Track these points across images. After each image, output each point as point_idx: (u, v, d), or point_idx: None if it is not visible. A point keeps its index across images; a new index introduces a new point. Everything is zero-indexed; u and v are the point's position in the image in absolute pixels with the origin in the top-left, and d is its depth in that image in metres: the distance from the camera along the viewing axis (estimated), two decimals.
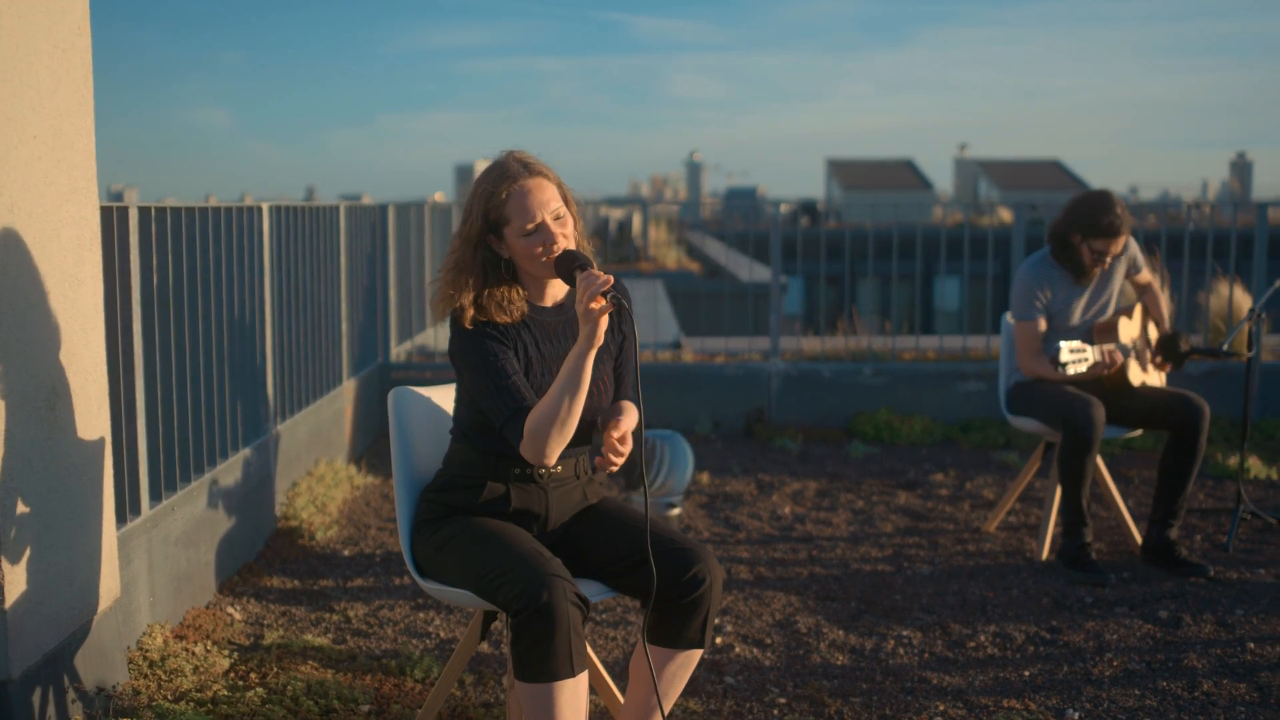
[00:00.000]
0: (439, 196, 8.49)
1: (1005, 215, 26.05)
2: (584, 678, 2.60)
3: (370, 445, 7.01)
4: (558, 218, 2.82)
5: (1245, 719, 3.48)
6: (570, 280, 2.74)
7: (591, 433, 3.01)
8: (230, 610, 4.25)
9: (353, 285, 6.60)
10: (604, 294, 2.64)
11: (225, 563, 4.50)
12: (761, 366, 7.56)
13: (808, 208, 28.70)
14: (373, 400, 7.12)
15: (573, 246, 2.83)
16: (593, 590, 2.87)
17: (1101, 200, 4.77)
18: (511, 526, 2.84)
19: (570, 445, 2.89)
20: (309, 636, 4.01)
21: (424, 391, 3.17)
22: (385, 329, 7.41)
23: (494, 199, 2.80)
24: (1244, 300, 7.92)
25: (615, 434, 2.81)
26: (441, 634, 4.12)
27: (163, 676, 3.47)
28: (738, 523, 5.54)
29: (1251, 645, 4.04)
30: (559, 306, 2.94)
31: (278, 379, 5.23)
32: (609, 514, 2.97)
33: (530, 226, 2.78)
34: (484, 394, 2.77)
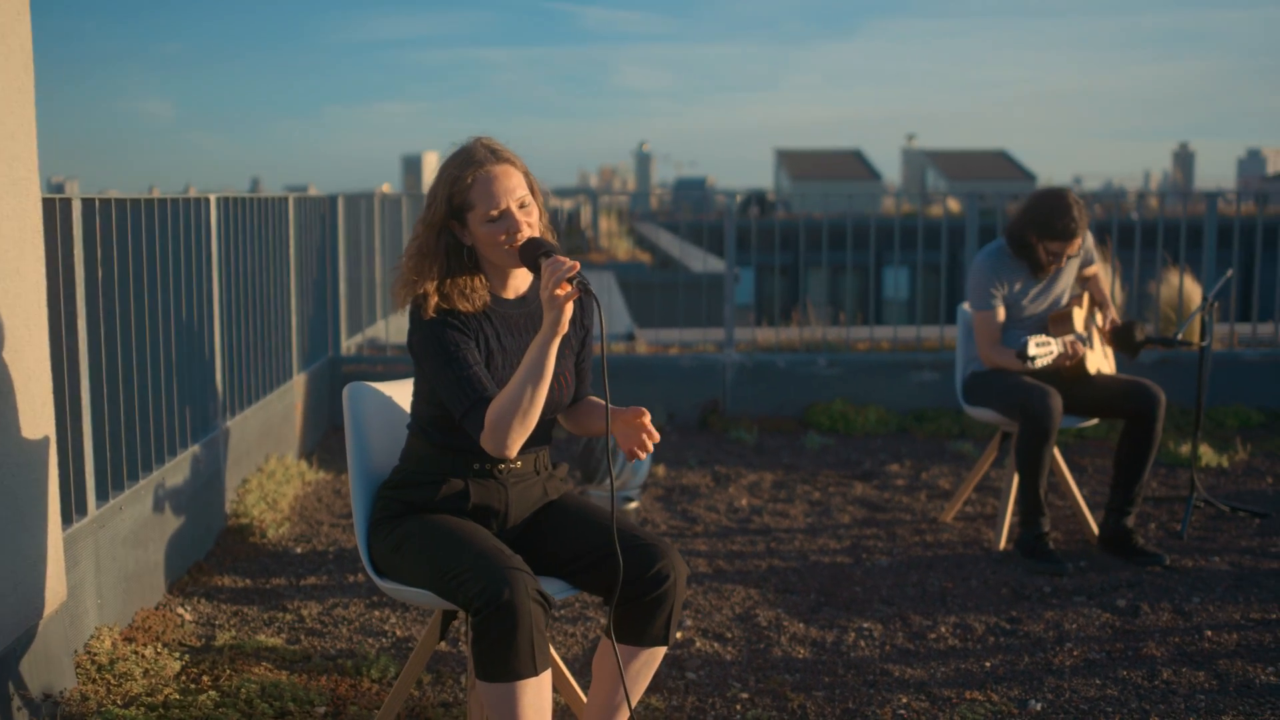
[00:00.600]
0: (386, 188, 8.41)
1: (953, 205, 26.23)
2: (547, 676, 2.55)
3: (321, 440, 6.91)
4: (523, 205, 2.76)
5: (1205, 707, 3.49)
6: (535, 268, 2.69)
7: (552, 428, 2.96)
8: (181, 611, 4.16)
9: (302, 278, 6.50)
10: (569, 280, 2.60)
11: (175, 562, 4.41)
12: (716, 358, 7.53)
13: (757, 198, 28.75)
14: (323, 394, 7.02)
15: (537, 235, 2.78)
16: (554, 587, 2.82)
17: (1059, 203, 4.76)
18: (470, 524, 2.78)
19: (531, 441, 2.84)
20: (262, 637, 3.92)
21: (380, 387, 3.11)
22: (335, 322, 7.31)
23: (459, 183, 2.75)
24: (1194, 289, 7.99)
25: (643, 419, 2.75)
26: (398, 632, 4.05)
27: (112, 681, 3.39)
28: (695, 515, 5.51)
29: (1209, 633, 4.06)
30: (521, 299, 2.89)
31: (226, 374, 5.13)
32: (570, 510, 2.92)
33: (494, 213, 2.73)
34: (444, 384, 2.71)
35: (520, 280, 2.90)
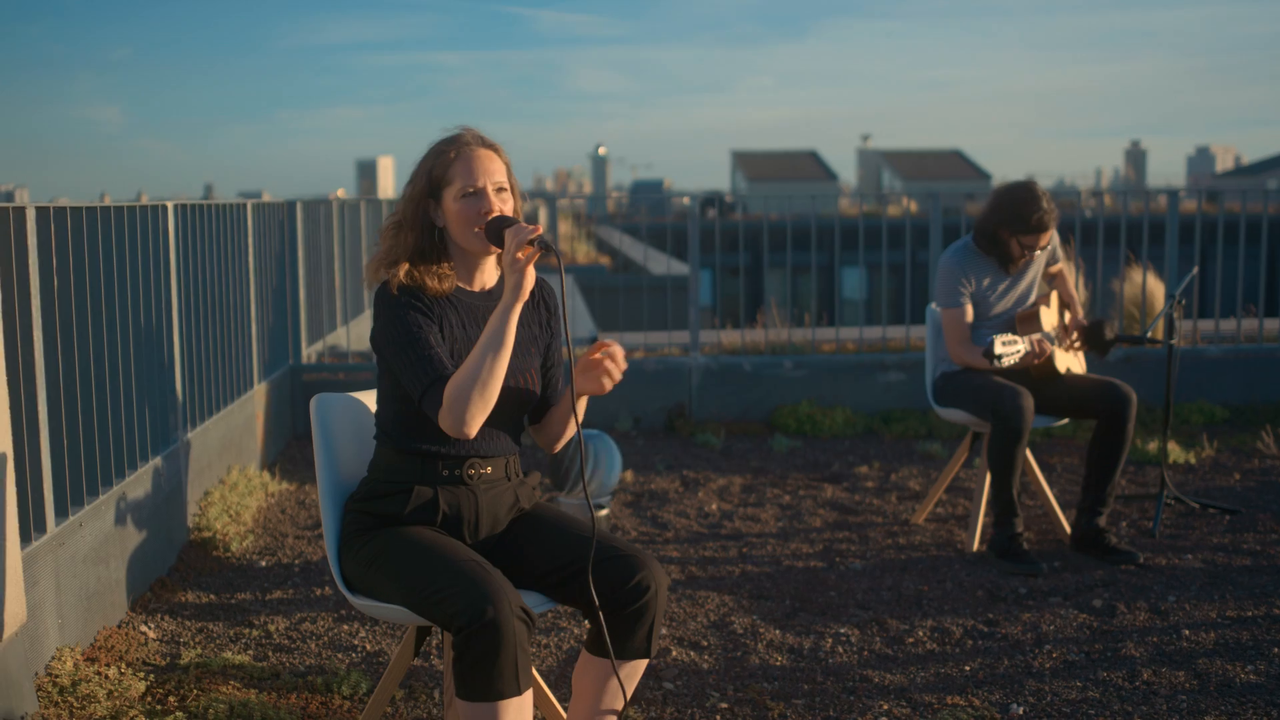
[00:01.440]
0: (341, 193, 8.30)
1: (910, 205, 26.31)
2: (529, 696, 2.49)
3: (283, 450, 6.80)
4: (499, 190, 2.76)
5: (1187, 707, 3.46)
6: (500, 241, 2.68)
7: (521, 431, 2.90)
8: (144, 629, 4.05)
9: (261, 285, 6.39)
10: (531, 242, 2.58)
11: (137, 579, 4.30)
12: (681, 361, 7.48)
13: (713, 200, 28.73)
14: (284, 403, 6.91)
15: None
16: (533, 602, 2.75)
17: (1028, 195, 4.75)
18: (446, 537, 2.71)
19: (500, 445, 2.78)
20: (228, 654, 3.83)
21: (347, 397, 3.03)
22: (296, 330, 7.20)
23: (443, 157, 2.77)
24: (1156, 286, 8.02)
25: (595, 354, 2.73)
26: (368, 646, 3.97)
27: (74, 704, 3.28)
28: (665, 521, 5.45)
29: (1187, 632, 4.04)
30: (487, 293, 2.84)
31: (186, 384, 5.03)
32: (546, 521, 2.86)
33: (471, 189, 2.73)
34: (404, 365, 2.66)
35: (487, 274, 2.87)
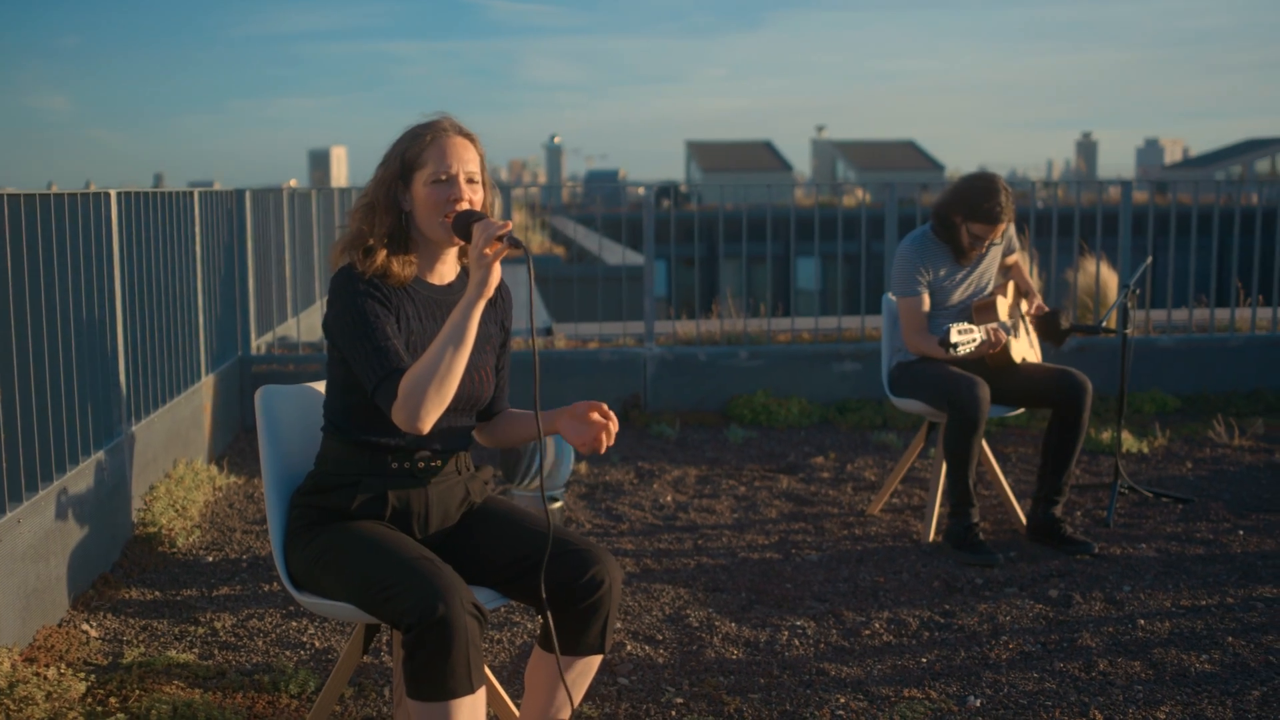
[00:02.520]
0: (293, 183, 8.19)
1: (864, 195, 26.38)
2: (483, 694, 2.43)
3: (231, 443, 6.68)
4: (471, 181, 2.70)
5: (1143, 698, 3.46)
6: (466, 235, 2.62)
7: (471, 427, 2.84)
8: (85, 627, 3.95)
9: (209, 275, 6.27)
10: (499, 238, 2.51)
11: (78, 576, 4.19)
12: (636, 352, 7.43)
13: (668, 190, 28.68)
14: (233, 395, 6.79)
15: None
16: (485, 598, 2.69)
17: (986, 186, 4.74)
18: (395, 533, 2.64)
19: (452, 441, 2.72)
20: (173, 653, 3.74)
21: (294, 389, 2.95)
22: (244, 320, 7.08)
23: (418, 140, 2.70)
24: (1110, 277, 8.05)
25: (595, 413, 2.73)
26: (316, 643, 3.89)
27: (11, 706, 3.19)
28: (619, 513, 5.40)
29: (1142, 622, 4.04)
30: (446, 286, 2.77)
31: (131, 376, 4.91)
32: (497, 515, 2.80)
33: (442, 175, 2.66)
34: (358, 354, 2.58)
35: (448, 267, 2.80)
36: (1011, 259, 5.12)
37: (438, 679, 2.37)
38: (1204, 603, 4.23)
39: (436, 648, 2.36)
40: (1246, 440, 6.62)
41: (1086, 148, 56.83)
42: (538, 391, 2.54)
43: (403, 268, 2.69)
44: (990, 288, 5.00)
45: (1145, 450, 6.39)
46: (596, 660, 2.72)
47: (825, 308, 18.78)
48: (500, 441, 2.93)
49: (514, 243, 2.53)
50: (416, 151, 2.68)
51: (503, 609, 4.18)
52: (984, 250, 4.88)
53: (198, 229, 5.99)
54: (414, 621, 2.37)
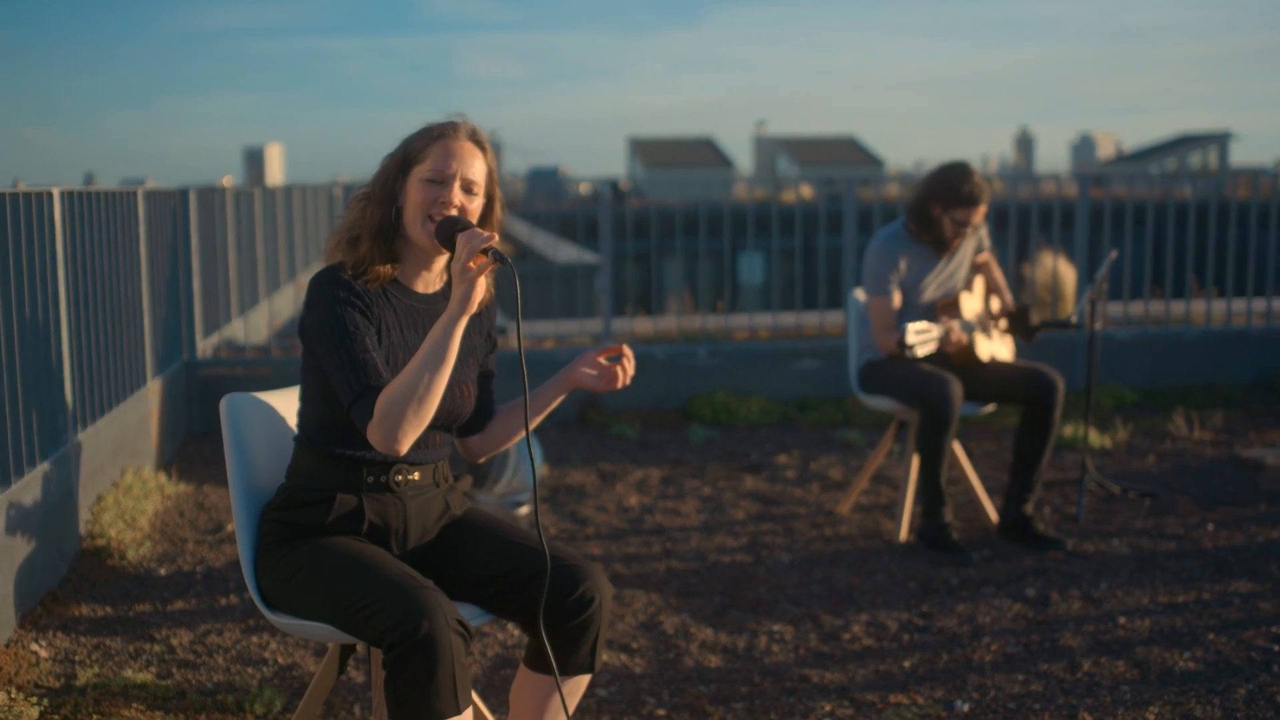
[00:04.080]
0: (228, 180, 8.00)
1: (805, 191, 26.40)
2: (470, 715, 2.31)
3: (178, 449, 6.49)
4: (468, 190, 2.56)
5: (1131, 699, 3.40)
6: (450, 244, 2.48)
7: (450, 444, 2.72)
8: (35, 648, 3.77)
9: (154, 276, 6.07)
10: (484, 251, 2.38)
11: (26, 592, 4.00)
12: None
13: (611, 186, 28.54)
14: (179, 400, 6.60)
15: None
16: (468, 614, 2.57)
17: (960, 171, 4.71)
18: (372, 548, 2.51)
19: (428, 451, 2.60)
20: (129, 672, 3.57)
21: (262, 396, 2.81)
22: (190, 323, 6.87)
23: (427, 135, 2.57)
24: (1067, 271, 8.04)
25: (602, 357, 2.73)
26: (279, 660, 3.74)
27: None
28: (584, 517, 5.28)
29: (1122, 620, 4.00)
30: (429, 296, 2.64)
31: (77, 382, 4.72)
32: (479, 528, 2.67)
33: (439, 176, 2.52)
34: (335, 366, 2.44)
35: (434, 275, 2.66)
36: (982, 257, 5.06)
37: (423, 700, 2.25)
38: (1181, 599, 4.19)
39: (421, 667, 2.24)
40: (1206, 433, 6.63)
41: (1024, 142, 57.50)
42: (526, 400, 2.42)
43: (387, 269, 2.56)
44: (961, 283, 4.94)
45: (1108, 445, 6.37)
46: (585, 680, 2.61)
47: (772, 303, 18.68)
48: (495, 445, 2.82)
49: (498, 257, 2.39)
50: (421, 146, 2.56)
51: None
52: (965, 235, 4.78)
53: (142, 229, 5.80)
54: (396, 640, 2.24)
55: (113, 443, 5.17)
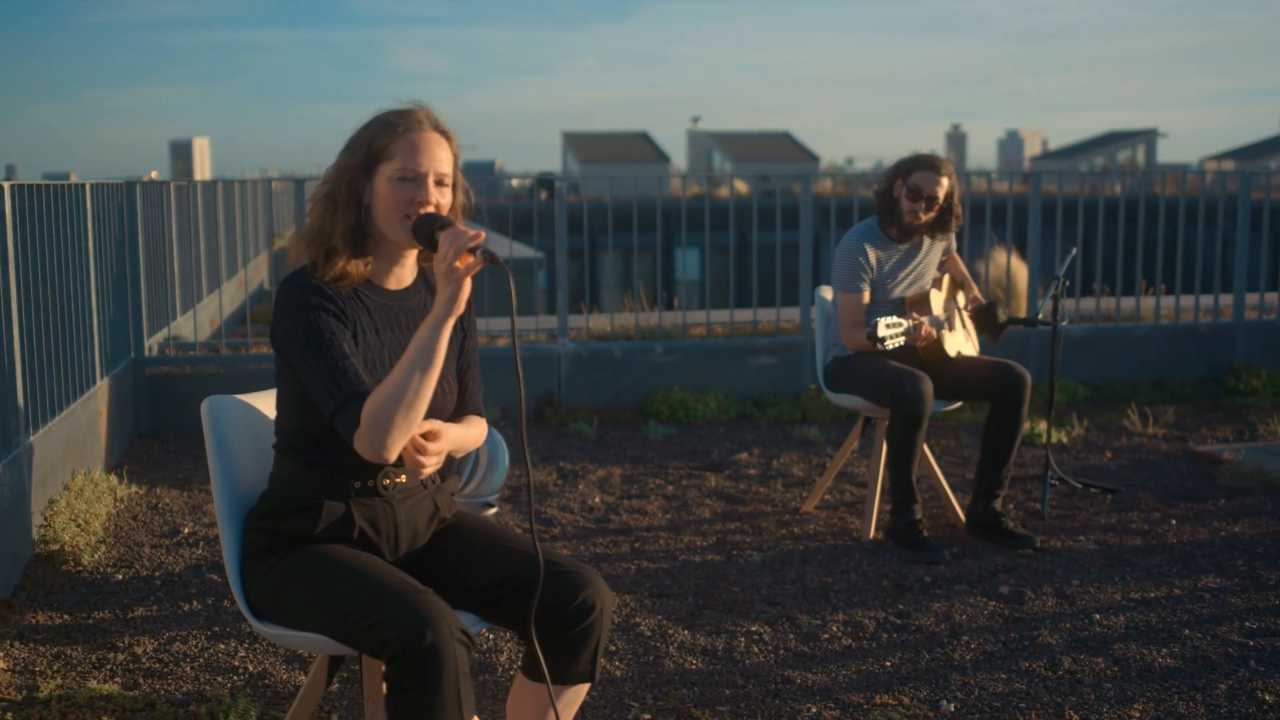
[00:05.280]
0: (154, 175, 7.82)
1: (741, 187, 26.47)
2: None
3: (127, 450, 6.32)
4: (439, 183, 2.46)
5: (1115, 696, 3.41)
6: (430, 242, 2.38)
7: None
8: None
9: (102, 272, 5.91)
10: (471, 250, 2.29)
11: None
12: (550, 348, 7.24)
13: (545, 181, 28.40)
14: (127, 400, 6.43)
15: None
16: (465, 622, 2.49)
17: (917, 152, 4.88)
18: (367, 556, 2.43)
19: None
20: (93, 683, 3.45)
21: (245, 399, 2.72)
22: (137, 320, 6.71)
23: (389, 129, 2.45)
24: (1020, 268, 8.09)
25: (419, 431, 2.40)
26: (249, 667, 3.63)
27: None
28: (549, 517, 5.21)
29: (1097, 616, 4.01)
30: (401, 292, 2.55)
31: (27, 383, 4.57)
32: (473, 534, 2.60)
33: (410, 174, 2.42)
34: (314, 375, 2.36)
35: (404, 272, 2.57)
36: (949, 263, 5.07)
37: (426, 713, 2.18)
38: (1152, 595, 4.21)
39: (425, 679, 2.16)
40: (1160, 429, 6.70)
41: (956, 139, 58.04)
42: (522, 401, 2.36)
43: (360, 268, 2.47)
44: (929, 281, 4.94)
45: (1064, 440, 6.42)
46: (584, 689, 2.54)
47: (732, 301, 18.71)
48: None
49: (489, 257, 2.31)
50: (386, 142, 2.44)
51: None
52: (926, 211, 4.73)
53: (90, 224, 5.64)
54: (399, 651, 2.17)
55: (63, 445, 5.02)
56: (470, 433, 2.60)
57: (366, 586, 2.29)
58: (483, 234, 2.32)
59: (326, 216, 2.45)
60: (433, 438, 2.40)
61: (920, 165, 4.74)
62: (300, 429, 2.47)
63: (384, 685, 2.23)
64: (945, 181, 4.72)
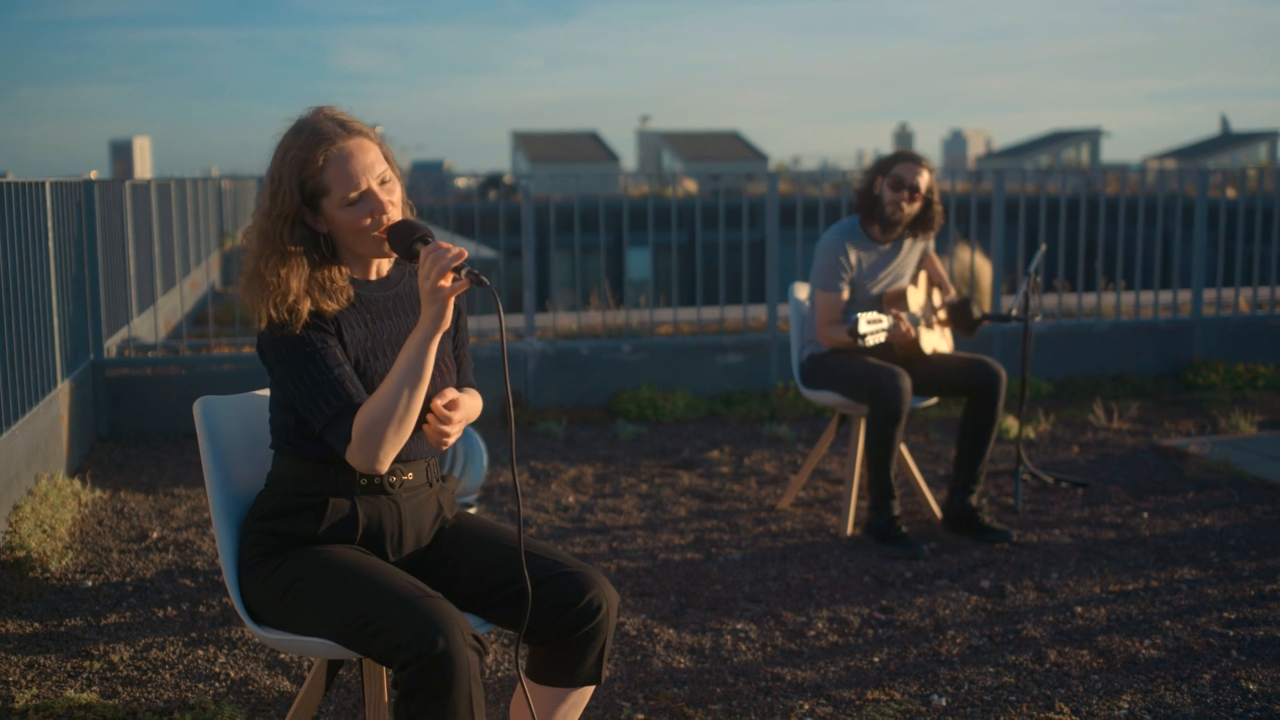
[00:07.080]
0: (94, 174, 7.68)
1: (690, 185, 26.50)
2: None
3: (88, 454, 6.21)
4: (384, 183, 2.41)
5: (1103, 688, 3.43)
6: (410, 255, 2.34)
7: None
8: None
9: (61, 273, 5.79)
10: (455, 269, 2.25)
11: None
12: (517, 347, 7.19)
13: (494, 181, 28.25)
14: (87, 402, 6.31)
15: (401, 216, 2.42)
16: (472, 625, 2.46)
17: (898, 150, 5.01)
18: (372, 558, 2.39)
19: (420, 448, 2.48)
20: (70, 693, 3.38)
21: (238, 399, 2.66)
22: (96, 321, 6.58)
23: (310, 166, 2.35)
24: (983, 265, 8.14)
25: (441, 400, 2.41)
26: (230, 674, 3.57)
27: None
28: (524, 517, 5.17)
29: (1079, 609, 4.03)
30: (384, 280, 2.51)
31: None
32: (477, 534, 2.56)
33: (354, 195, 2.36)
34: (301, 393, 2.32)
35: (383, 262, 2.53)
36: (927, 263, 5.08)
37: None
38: (1130, 587, 4.24)
39: (438, 687, 2.13)
40: (1124, 423, 6.76)
41: (903, 139, 58.53)
42: (511, 407, 2.32)
43: (335, 296, 2.39)
44: (906, 280, 4.95)
45: (1032, 435, 6.46)
46: (590, 691, 2.52)
47: (699, 299, 18.69)
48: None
49: (475, 279, 2.27)
50: (314, 178, 2.35)
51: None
52: (909, 202, 4.73)
53: (50, 223, 5.53)
54: (411, 658, 2.13)
55: (27, 449, 4.92)
56: (475, 403, 2.64)
57: (375, 591, 2.25)
58: (465, 252, 2.28)
59: (274, 273, 2.34)
60: (454, 407, 2.42)
61: (901, 158, 4.84)
62: (300, 426, 2.42)
63: (388, 690, 2.19)
64: (926, 174, 4.75)
